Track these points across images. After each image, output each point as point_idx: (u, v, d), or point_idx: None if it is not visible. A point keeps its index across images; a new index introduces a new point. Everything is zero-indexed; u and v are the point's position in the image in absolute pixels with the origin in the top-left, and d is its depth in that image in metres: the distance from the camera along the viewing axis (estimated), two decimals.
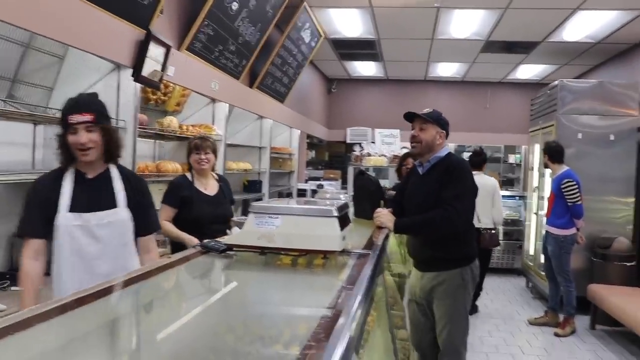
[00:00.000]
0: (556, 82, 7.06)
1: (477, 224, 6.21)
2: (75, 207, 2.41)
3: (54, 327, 1.39)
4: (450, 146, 9.32)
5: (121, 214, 2.51)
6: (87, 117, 2.38)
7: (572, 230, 5.89)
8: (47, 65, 3.57)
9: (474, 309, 6.61)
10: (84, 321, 1.52)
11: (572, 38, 7.68)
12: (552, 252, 6.05)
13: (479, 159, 6.63)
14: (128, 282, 1.78)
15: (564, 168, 6.00)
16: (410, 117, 3.46)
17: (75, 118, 2.37)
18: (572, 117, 6.83)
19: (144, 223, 2.63)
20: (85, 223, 2.41)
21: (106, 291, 1.67)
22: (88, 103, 2.47)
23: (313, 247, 2.04)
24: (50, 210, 2.39)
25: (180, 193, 3.73)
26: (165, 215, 3.71)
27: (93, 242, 2.43)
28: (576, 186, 5.79)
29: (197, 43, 4.64)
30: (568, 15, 6.61)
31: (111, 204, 2.50)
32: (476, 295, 6.67)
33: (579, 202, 5.78)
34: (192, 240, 3.43)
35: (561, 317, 6.08)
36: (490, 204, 6.34)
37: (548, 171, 6.56)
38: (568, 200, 5.80)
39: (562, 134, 6.81)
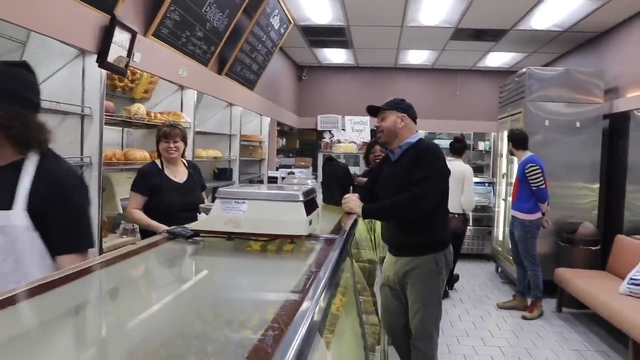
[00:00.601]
0: (524, 70, 7.15)
1: None
2: None
3: (16, 313, 1.37)
4: (420, 133, 9.46)
5: (14, 219, 1.92)
6: None
7: (538, 215, 6.01)
8: (8, 50, 3.49)
9: (444, 294, 6.70)
10: (48, 308, 1.50)
11: (540, 26, 7.75)
12: (518, 236, 6.16)
13: (460, 146, 6.83)
14: (91, 269, 1.75)
15: (528, 154, 6.11)
16: (372, 110, 3.50)
17: None
18: (539, 104, 6.94)
19: (59, 238, 2.00)
20: None
21: (70, 277, 1.64)
22: None
23: (279, 231, 2.04)
24: None
25: (150, 180, 3.71)
26: (135, 203, 3.70)
27: None
28: (539, 170, 5.91)
29: (163, 29, 4.57)
30: (535, 3, 6.67)
31: (7, 203, 1.92)
32: (449, 280, 6.79)
33: (542, 186, 5.90)
34: (161, 228, 3.40)
35: (529, 300, 6.20)
36: (460, 190, 6.44)
37: (516, 158, 6.65)
38: (532, 185, 5.91)
39: (530, 121, 6.92)
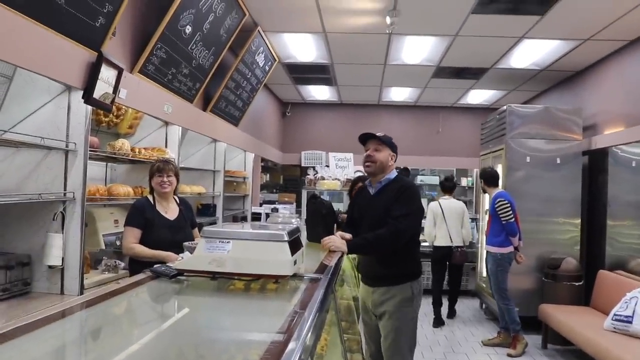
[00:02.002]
0: (504, 107, 7.26)
1: (449, 243, 7.12)
2: None
3: None
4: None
5: None
6: None
7: (509, 249, 6.15)
8: None
9: (440, 322, 7.29)
10: (28, 349, 1.48)
11: (519, 65, 7.92)
12: (490, 269, 6.33)
13: (450, 184, 7.37)
14: (75, 309, 1.74)
15: (498, 190, 6.35)
16: (364, 139, 3.66)
17: None
18: (520, 141, 7.04)
19: None
20: None
21: (52, 318, 1.62)
22: None
23: (264, 271, 2.03)
24: None
25: (144, 215, 3.73)
26: (132, 238, 3.69)
27: None
28: (508, 205, 6.10)
29: (149, 66, 4.60)
30: (514, 43, 6.83)
31: None
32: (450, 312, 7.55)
33: (511, 220, 6.07)
34: (170, 256, 3.36)
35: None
36: (461, 225, 7.10)
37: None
38: (501, 219, 6.09)
39: (511, 158, 7.01)
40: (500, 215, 6.09)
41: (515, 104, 7.29)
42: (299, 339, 1.36)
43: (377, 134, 3.61)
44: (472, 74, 8.67)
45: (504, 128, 7.22)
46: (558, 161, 6.98)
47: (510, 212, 6.07)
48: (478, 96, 10.50)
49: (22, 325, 1.49)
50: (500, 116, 7.42)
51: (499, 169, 7.21)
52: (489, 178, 6.45)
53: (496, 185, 6.43)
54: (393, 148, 3.65)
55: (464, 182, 11.46)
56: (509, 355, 5.98)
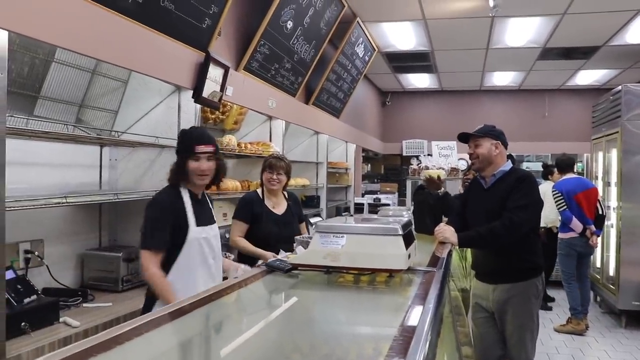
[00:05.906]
0: (619, 87, 6.82)
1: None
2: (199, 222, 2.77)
3: (129, 350, 1.42)
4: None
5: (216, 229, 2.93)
6: (210, 149, 2.75)
7: (569, 234, 6.31)
8: (112, 89, 3.69)
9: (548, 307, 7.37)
10: (157, 343, 1.55)
11: (636, 40, 7.43)
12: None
13: (546, 171, 7.77)
14: (198, 303, 1.80)
15: (566, 177, 6.47)
16: (464, 137, 3.51)
17: (202, 148, 2.72)
18: (638, 123, 6.58)
19: None
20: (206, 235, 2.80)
21: (178, 312, 1.69)
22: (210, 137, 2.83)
23: (378, 265, 2.02)
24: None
25: (252, 209, 3.75)
26: (238, 231, 3.73)
27: (211, 252, 2.82)
28: (559, 194, 6.26)
29: (254, 62, 4.71)
30: (631, 17, 6.41)
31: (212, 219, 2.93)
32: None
33: (562, 209, 6.26)
34: (266, 255, 3.40)
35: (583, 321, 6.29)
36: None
37: (613, 180, 6.74)
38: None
39: (628, 141, 6.57)
40: (555, 205, 6.31)
41: (631, 83, 6.83)
42: (422, 334, 1.34)
43: (472, 132, 3.45)
44: (581, 54, 8.24)
45: (619, 110, 6.78)
46: None
47: (562, 201, 6.21)
48: (588, 77, 9.99)
49: (153, 319, 1.56)
50: (615, 97, 6.98)
51: (614, 153, 6.81)
52: (561, 165, 6.60)
53: (569, 171, 6.51)
54: (495, 136, 3.42)
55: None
56: (555, 329, 6.32)
